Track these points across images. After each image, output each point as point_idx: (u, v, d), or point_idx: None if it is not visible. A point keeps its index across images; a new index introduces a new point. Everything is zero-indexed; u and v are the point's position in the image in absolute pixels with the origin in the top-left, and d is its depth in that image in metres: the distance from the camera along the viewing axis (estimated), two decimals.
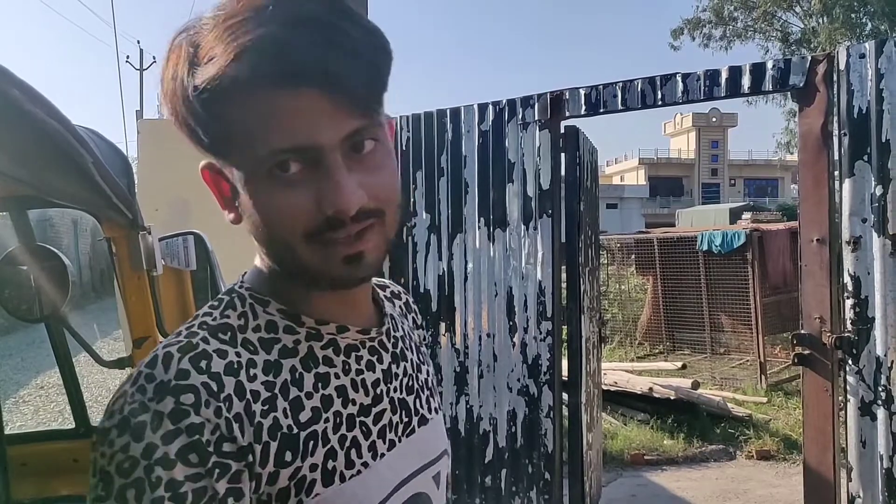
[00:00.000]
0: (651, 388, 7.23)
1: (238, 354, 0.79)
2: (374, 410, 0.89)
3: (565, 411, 4.20)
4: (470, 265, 4.20)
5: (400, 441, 0.91)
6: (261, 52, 0.70)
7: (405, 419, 0.93)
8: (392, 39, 0.80)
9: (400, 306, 1.09)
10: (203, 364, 0.75)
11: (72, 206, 1.70)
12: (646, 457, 6.37)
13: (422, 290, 4.32)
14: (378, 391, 0.90)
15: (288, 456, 0.78)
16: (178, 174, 4.75)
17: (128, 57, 34.27)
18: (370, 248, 0.80)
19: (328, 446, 0.82)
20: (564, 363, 4.19)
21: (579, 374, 4.17)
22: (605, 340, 6.30)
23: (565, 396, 4.18)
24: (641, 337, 10.78)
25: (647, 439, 6.70)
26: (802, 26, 26.30)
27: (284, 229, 0.77)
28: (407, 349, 0.99)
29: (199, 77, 0.73)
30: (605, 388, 6.82)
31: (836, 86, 3.11)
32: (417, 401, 0.97)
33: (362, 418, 0.87)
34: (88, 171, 1.25)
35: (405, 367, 0.96)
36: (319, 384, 0.83)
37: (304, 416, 0.81)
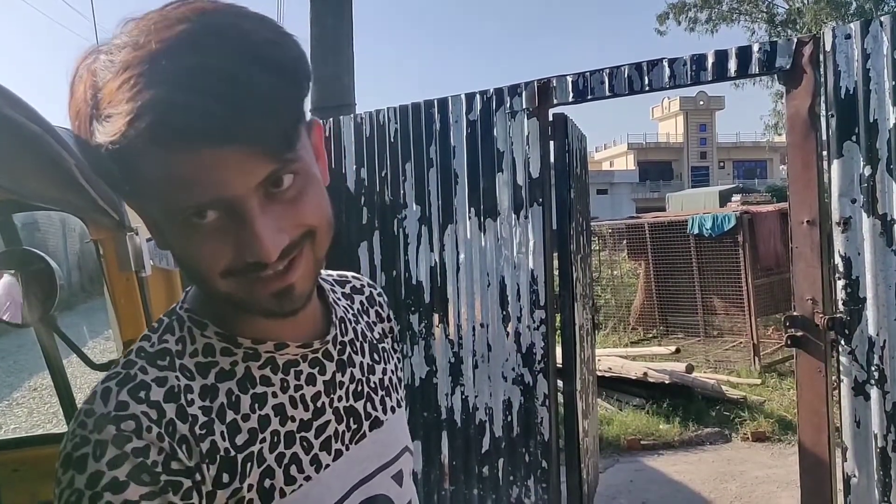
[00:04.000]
0: (646, 373, 7.25)
1: (178, 378, 0.80)
2: (316, 424, 0.89)
3: (560, 399, 4.20)
4: (462, 256, 4.19)
5: (348, 449, 0.92)
6: (155, 115, 0.66)
7: (353, 426, 0.94)
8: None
9: (361, 301, 1.08)
10: (142, 394, 0.76)
11: (56, 209, 1.68)
12: (642, 442, 6.40)
13: (414, 281, 4.31)
14: (319, 404, 0.90)
15: (225, 478, 0.79)
16: None
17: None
18: (298, 278, 0.78)
19: (264, 466, 0.82)
20: (558, 351, 4.19)
21: (574, 362, 4.17)
22: (598, 327, 6.31)
23: (560, 384, 4.18)
24: (635, 322, 10.81)
25: (643, 424, 6.73)
26: (788, 6, 26.28)
27: (203, 270, 0.76)
28: (357, 353, 0.98)
29: (100, 135, 0.69)
30: (599, 374, 6.84)
31: (822, 67, 3.10)
32: (369, 404, 0.97)
33: (303, 433, 0.87)
34: (71, 175, 1.24)
35: (352, 372, 0.96)
36: (256, 405, 0.84)
37: (241, 438, 0.81)
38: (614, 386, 7.49)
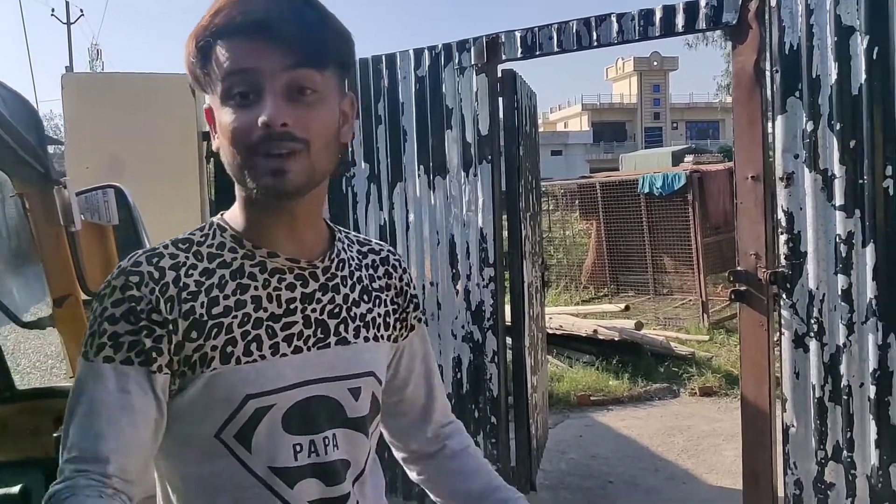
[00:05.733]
0: (596, 331, 7.34)
1: (187, 258, 1.07)
2: (284, 320, 1.09)
3: (510, 356, 4.23)
4: (411, 215, 4.16)
5: (309, 350, 1.11)
6: (235, 17, 1.00)
7: (320, 335, 1.12)
8: None
9: (373, 259, 1.25)
10: (154, 260, 1.05)
11: None
12: (592, 398, 6.50)
13: None
14: (292, 307, 1.10)
15: (193, 335, 1.03)
16: (109, 131, 4.62)
17: (53, 10, 32.72)
18: (293, 169, 1.01)
19: (230, 335, 1.05)
20: (508, 309, 4.21)
21: (522, 319, 4.19)
22: (548, 285, 6.35)
23: (509, 341, 4.20)
24: (586, 281, 10.93)
25: (593, 381, 6.82)
26: None
27: (235, 143, 1.01)
28: (344, 286, 1.17)
29: (200, 37, 1.02)
30: (550, 331, 6.90)
31: (767, 23, 3.11)
32: (342, 326, 1.15)
33: (270, 323, 1.08)
34: None
35: (334, 297, 1.15)
36: (239, 290, 1.07)
37: (216, 310, 1.05)
38: (565, 343, 7.57)
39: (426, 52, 4.04)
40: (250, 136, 0.99)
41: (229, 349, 1.05)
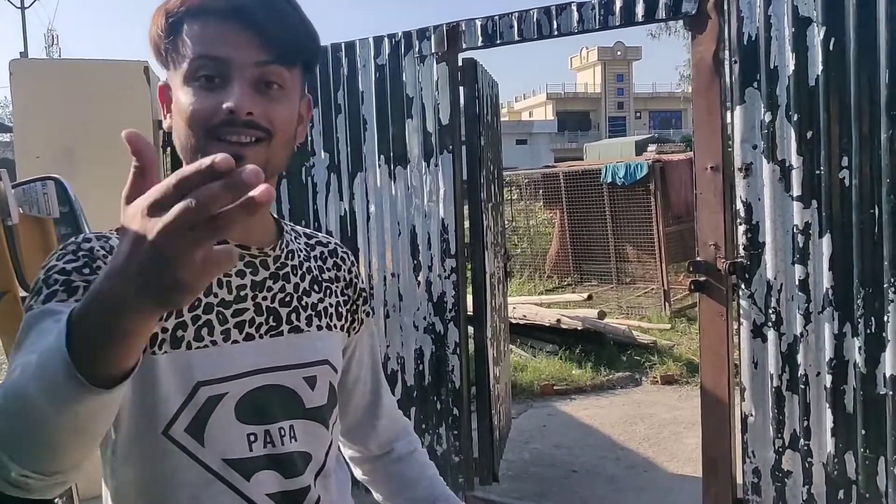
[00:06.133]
0: (559, 320, 7.36)
1: None
2: (235, 307, 1.07)
3: (472, 347, 4.21)
4: (372, 206, 4.12)
5: (262, 338, 1.09)
6: None
7: (272, 323, 1.11)
8: None
9: (321, 251, 1.25)
10: (102, 241, 1.02)
11: None
12: (555, 387, 6.51)
13: (324, 231, 4.22)
14: (242, 294, 1.08)
15: None
16: (60, 119, 4.49)
17: None
18: (251, 157, 0.98)
19: (180, 319, 1.02)
20: (470, 299, 4.18)
21: (484, 310, 4.17)
22: (510, 275, 6.34)
23: (472, 332, 4.18)
24: (550, 270, 10.96)
25: (556, 370, 6.83)
26: None
27: (193, 124, 0.99)
28: (294, 276, 1.16)
29: (172, 12, 1.00)
30: (514, 321, 6.91)
31: (726, 13, 3.11)
32: (293, 315, 1.13)
33: (220, 309, 1.06)
34: None
35: (284, 286, 1.13)
36: None
37: None
38: (528, 333, 7.58)
39: (386, 39, 3.99)
40: (211, 119, 0.98)
41: (179, 333, 1.02)
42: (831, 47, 2.87)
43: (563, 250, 10.73)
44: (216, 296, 1.06)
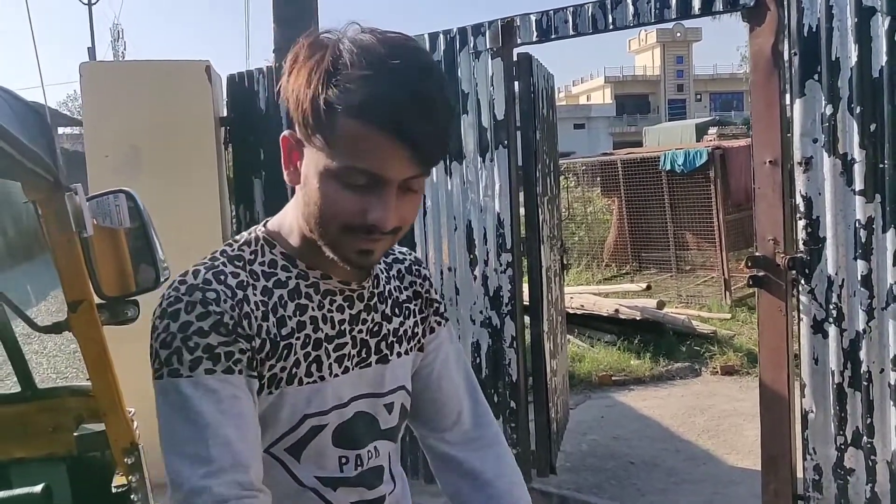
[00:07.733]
0: (617, 310, 7.32)
1: (247, 278, 1.08)
2: (337, 341, 1.14)
3: (529, 340, 4.23)
4: (429, 201, 4.16)
5: (353, 369, 1.16)
6: (379, 104, 0.96)
7: (363, 354, 1.18)
8: None
9: (398, 269, 1.29)
10: (221, 278, 1.05)
11: None
12: (613, 378, 6.49)
13: None
14: (342, 328, 1.15)
15: (269, 354, 1.07)
16: (128, 120, 4.64)
17: None
18: (379, 249, 1.07)
19: (296, 357, 1.09)
20: (526, 293, 4.20)
21: (541, 303, 4.19)
22: (567, 268, 6.33)
23: (528, 323, 4.20)
24: (608, 259, 10.88)
25: (615, 360, 6.80)
26: None
27: (332, 217, 1.02)
28: (382, 303, 1.22)
29: (333, 94, 0.97)
30: (571, 311, 6.89)
31: (786, 4, 3.05)
32: (382, 343, 1.21)
33: (326, 344, 1.13)
34: None
35: (374, 316, 1.20)
36: (297, 311, 1.11)
37: (285, 330, 1.09)
38: (586, 323, 7.55)
39: (441, 36, 4.02)
40: (352, 221, 1.02)
41: (294, 370, 1.10)
42: None
43: (621, 238, 10.64)
44: (322, 331, 1.13)
